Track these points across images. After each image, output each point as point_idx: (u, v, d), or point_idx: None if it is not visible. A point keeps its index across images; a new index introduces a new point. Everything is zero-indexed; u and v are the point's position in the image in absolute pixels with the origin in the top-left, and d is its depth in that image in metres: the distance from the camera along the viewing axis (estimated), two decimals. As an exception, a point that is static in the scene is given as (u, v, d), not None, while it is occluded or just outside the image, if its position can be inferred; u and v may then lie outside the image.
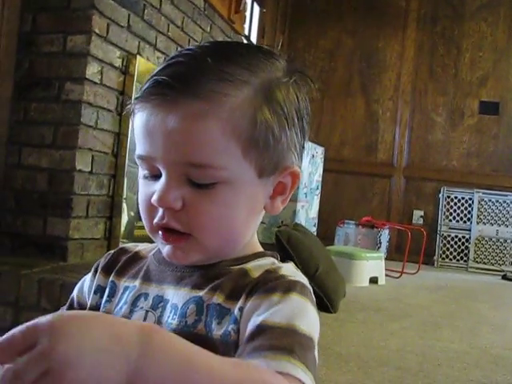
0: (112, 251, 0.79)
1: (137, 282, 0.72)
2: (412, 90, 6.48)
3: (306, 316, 0.61)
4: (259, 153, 0.64)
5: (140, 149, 0.64)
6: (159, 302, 0.68)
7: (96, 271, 0.77)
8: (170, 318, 0.66)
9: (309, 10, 6.65)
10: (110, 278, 0.75)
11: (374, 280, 4.40)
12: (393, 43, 6.52)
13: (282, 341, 0.57)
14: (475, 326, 3.28)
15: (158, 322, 0.67)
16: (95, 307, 0.74)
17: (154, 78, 0.62)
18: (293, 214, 3.98)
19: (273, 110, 0.64)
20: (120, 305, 0.71)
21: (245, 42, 0.81)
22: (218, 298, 0.64)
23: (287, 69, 0.69)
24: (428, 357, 2.55)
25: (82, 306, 0.77)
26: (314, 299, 0.65)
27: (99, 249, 2.69)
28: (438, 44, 6.42)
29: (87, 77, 2.49)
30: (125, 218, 2.80)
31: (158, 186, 0.63)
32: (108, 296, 0.73)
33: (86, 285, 0.78)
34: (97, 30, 2.52)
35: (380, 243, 5.41)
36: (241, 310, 0.62)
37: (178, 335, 0.62)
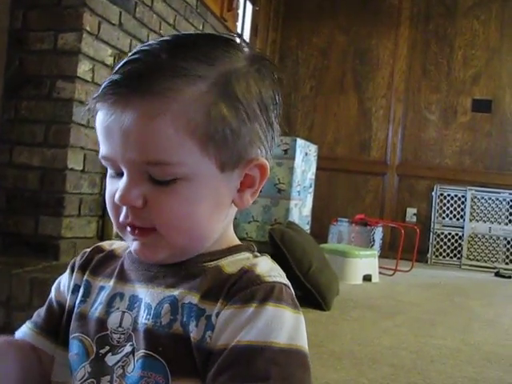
0: (88, 249, 0.78)
1: (111, 282, 0.71)
2: (405, 87, 6.49)
3: (283, 326, 0.60)
4: (218, 148, 0.63)
5: (102, 149, 0.64)
6: (135, 302, 0.67)
7: (73, 270, 0.76)
8: (144, 318, 0.65)
9: (302, 8, 6.65)
10: (85, 277, 0.74)
11: (367, 278, 4.41)
12: (386, 41, 6.53)
13: (256, 368, 0.57)
14: (468, 323, 3.29)
15: (134, 322, 0.66)
16: (72, 307, 0.73)
17: (110, 77, 0.62)
18: (286, 212, 3.98)
19: (230, 104, 0.63)
20: (95, 305, 0.70)
21: (212, 33, 0.81)
22: (193, 298, 0.64)
23: (250, 58, 0.67)
24: (421, 354, 2.56)
25: (61, 306, 0.75)
26: (293, 295, 0.65)
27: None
28: (431, 42, 6.43)
29: (78, 75, 2.48)
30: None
31: (120, 184, 0.63)
32: (83, 296, 0.72)
33: (62, 284, 0.77)
34: (88, 28, 2.51)
35: (373, 241, 5.41)
36: (217, 315, 0.62)
37: (153, 335, 0.63)
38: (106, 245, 0.78)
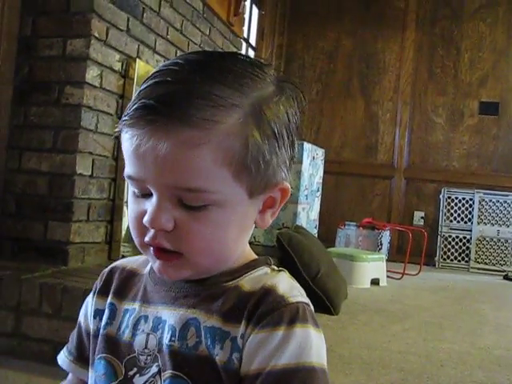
0: (106, 269, 0.79)
1: (136, 305, 0.72)
2: (412, 91, 6.48)
3: (312, 346, 0.62)
4: (251, 175, 0.63)
5: (130, 170, 0.64)
6: (159, 324, 0.68)
7: (95, 294, 0.78)
8: (169, 340, 0.66)
9: (308, 12, 6.66)
10: (109, 300, 0.75)
11: (375, 281, 4.40)
12: (392, 44, 6.52)
13: None
14: (477, 327, 3.27)
15: (159, 343, 0.67)
16: (96, 331, 0.75)
17: (142, 101, 0.60)
18: (294, 216, 3.98)
19: (263, 133, 0.63)
20: (122, 328, 0.71)
21: (235, 52, 0.80)
22: (216, 322, 0.65)
23: (277, 82, 0.67)
24: (430, 358, 2.55)
25: (88, 333, 0.77)
26: (313, 313, 0.66)
27: (100, 253, 2.69)
28: (438, 45, 6.42)
29: (87, 80, 2.49)
30: (126, 222, 2.80)
31: (150, 206, 0.63)
32: (108, 318, 0.73)
33: (89, 309, 0.78)
34: (96, 34, 2.52)
35: (381, 245, 5.40)
36: (243, 337, 0.63)
37: (179, 356, 0.64)
38: (123, 264, 0.78)
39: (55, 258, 2.46)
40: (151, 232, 0.64)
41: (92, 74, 2.52)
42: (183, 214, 0.63)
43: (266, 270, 0.70)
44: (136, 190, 0.65)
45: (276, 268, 0.71)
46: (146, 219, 0.63)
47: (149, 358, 0.67)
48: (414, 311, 3.60)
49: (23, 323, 2.12)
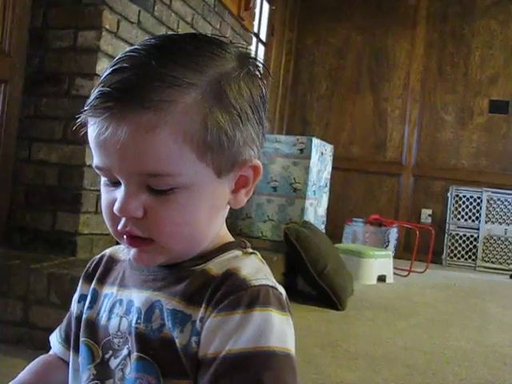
0: (96, 257, 0.80)
1: (114, 289, 0.73)
2: (421, 88, 6.46)
3: (272, 330, 0.60)
4: (215, 154, 0.63)
5: (96, 160, 0.64)
6: (131, 307, 0.69)
7: (83, 280, 0.79)
8: (135, 322, 0.66)
9: (318, 8, 6.64)
10: (92, 286, 0.76)
11: (382, 278, 4.40)
12: (402, 41, 6.50)
13: (250, 375, 0.58)
14: (483, 325, 3.27)
15: (129, 325, 0.67)
16: (80, 315, 0.76)
17: (100, 89, 0.60)
18: (301, 212, 3.98)
19: (224, 111, 0.62)
20: (101, 313, 0.72)
21: (194, 32, 0.80)
22: (178, 304, 0.64)
23: (238, 58, 0.66)
24: (436, 355, 2.55)
25: (76, 318, 0.78)
26: (280, 297, 0.65)
27: (108, 244, 2.67)
28: (448, 42, 6.40)
29: (97, 72, 2.49)
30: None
31: (119, 194, 0.63)
32: (90, 303, 0.75)
33: (75, 296, 0.80)
34: (107, 26, 2.52)
35: (388, 241, 5.40)
36: (201, 320, 0.62)
37: (145, 339, 0.65)
38: (111, 251, 0.79)
39: (63, 248, 2.48)
40: (122, 220, 0.64)
41: (102, 65, 2.52)
42: (152, 200, 0.62)
43: (236, 253, 0.69)
44: (106, 179, 0.65)
45: (249, 251, 0.70)
46: (115, 207, 0.63)
47: (121, 340, 0.68)
48: (420, 308, 3.60)
49: (31, 313, 2.14)
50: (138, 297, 0.68)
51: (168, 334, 0.64)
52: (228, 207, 0.70)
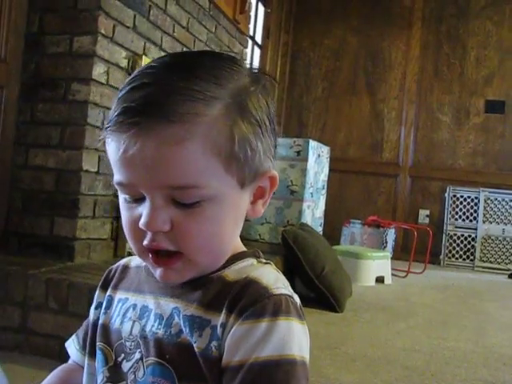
0: (113, 267, 0.81)
1: (129, 295, 0.74)
2: (417, 89, 6.47)
3: (294, 339, 0.63)
4: (240, 166, 0.64)
5: (120, 177, 0.63)
6: (145, 312, 0.70)
7: (100, 289, 0.81)
8: (155, 328, 0.67)
9: (314, 10, 6.65)
10: (107, 293, 0.78)
11: (380, 279, 4.40)
12: (398, 42, 6.51)
13: (277, 382, 0.60)
14: (482, 325, 3.27)
15: (142, 330, 0.69)
16: (96, 321, 0.77)
17: (123, 105, 0.61)
18: (299, 214, 3.98)
19: (247, 122, 0.64)
20: (114, 317, 0.74)
21: (205, 50, 0.80)
22: (196, 310, 0.65)
23: (252, 74, 0.68)
24: (435, 356, 2.55)
25: (93, 325, 0.80)
26: (297, 306, 0.66)
27: (106, 249, 2.70)
28: (444, 43, 6.41)
29: (93, 77, 2.50)
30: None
31: (144, 209, 0.63)
32: (105, 308, 0.76)
33: (93, 304, 0.81)
34: (103, 31, 2.53)
35: (386, 243, 5.40)
36: (223, 326, 0.63)
37: (162, 344, 0.66)
38: (126, 261, 0.81)
39: (61, 253, 2.48)
40: (149, 235, 0.64)
41: (98, 70, 2.53)
42: (178, 213, 0.63)
43: (251, 261, 0.70)
44: (127, 197, 0.65)
45: (263, 260, 0.71)
46: (142, 222, 0.63)
47: (133, 343, 0.69)
48: (418, 309, 3.60)
49: (29, 318, 2.13)
50: (155, 303, 0.69)
51: (186, 339, 0.65)
52: (245, 218, 0.72)
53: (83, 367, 0.80)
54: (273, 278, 0.67)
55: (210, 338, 0.63)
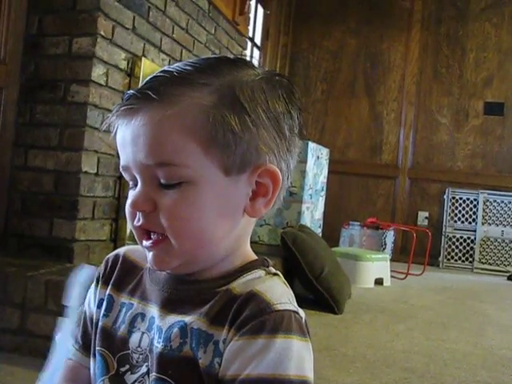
0: (109, 257, 0.79)
1: (134, 301, 0.72)
2: (416, 91, 6.47)
3: (292, 358, 0.61)
4: (220, 150, 0.64)
5: (121, 161, 0.68)
6: (153, 324, 0.69)
7: (98, 282, 0.78)
8: (156, 341, 0.67)
9: (313, 11, 6.66)
10: (108, 291, 0.75)
11: (379, 281, 4.40)
12: (397, 44, 6.52)
13: None
14: (481, 327, 3.27)
15: (151, 343, 0.67)
16: (97, 321, 0.75)
17: (127, 93, 0.66)
18: (298, 216, 3.98)
19: (232, 110, 0.64)
20: (118, 323, 0.72)
21: (229, 56, 0.81)
22: (202, 324, 0.64)
23: (262, 73, 0.69)
24: (434, 357, 2.55)
25: (92, 321, 0.77)
26: (301, 322, 0.65)
27: (105, 250, 2.69)
28: (443, 45, 6.42)
29: (93, 79, 2.49)
30: (130, 220, 2.80)
31: (135, 191, 0.66)
32: (105, 310, 0.74)
33: (91, 298, 0.78)
34: (102, 32, 2.53)
35: (385, 244, 5.40)
36: (225, 342, 0.63)
37: (164, 358, 0.64)
38: (127, 253, 0.78)
39: (60, 255, 2.47)
40: (138, 215, 0.66)
41: (98, 72, 2.53)
42: (162, 195, 0.64)
43: (260, 273, 0.69)
44: (130, 183, 0.68)
45: (272, 271, 0.70)
46: (128, 202, 0.66)
47: (141, 356, 0.68)
48: (417, 311, 3.60)
49: (29, 320, 2.13)
50: (159, 316, 0.68)
51: (189, 352, 0.64)
52: (249, 220, 0.70)
53: (85, 366, 0.77)
54: (278, 292, 0.65)
55: (213, 354, 0.63)
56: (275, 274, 0.70)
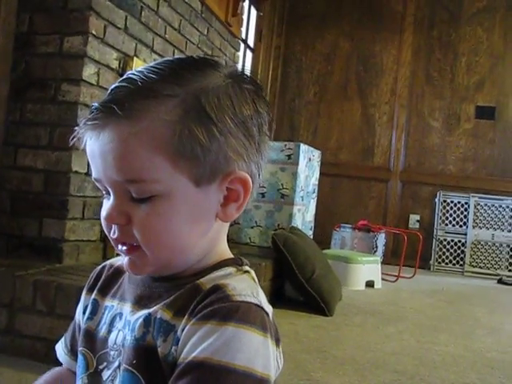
0: (97, 268, 0.82)
1: (115, 302, 0.74)
2: (409, 94, 6.49)
3: (242, 348, 0.60)
4: (189, 163, 0.64)
5: (92, 172, 0.68)
6: (126, 320, 0.70)
7: (86, 291, 0.81)
8: (127, 335, 0.68)
9: (306, 14, 6.66)
10: (92, 296, 0.77)
11: (370, 284, 4.40)
12: (389, 47, 6.53)
13: (195, 382, 0.58)
14: (471, 330, 3.28)
15: (124, 338, 0.69)
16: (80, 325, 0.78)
17: (92, 105, 0.66)
18: (289, 218, 3.97)
19: (198, 122, 0.64)
20: (101, 325, 0.74)
21: (191, 55, 0.79)
22: (166, 315, 0.66)
23: (227, 75, 0.68)
24: (424, 360, 2.55)
25: (80, 328, 0.79)
26: (263, 317, 0.64)
27: (95, 251, 2.68)
28: (435, 48, 6.44)
29: (84, 78, 2.48)
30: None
31: (108, 203, 0.67)
32: (90, 313, 0.76)
33: (79, 307, 0.81)
34: (94, 32, 2.51)
35: (376, 247, 5.41)
36: (183, 330, 0.63)
37: (129, 349, 0.66)
38: (112, 261, 0.81)
39: (50, 255, 2.46)
40: (113, 228, 0.67)
41: (89, 71, 2.51)
42: (135, 208, 0.65)
43: (230, 270, 0.69)
44: (104, 192, 0.69)
45: (244, 269, 0.71)
46: (102, 215, 0.67)
47: (116, 353, 0.69)
48: (408, 313, 3.60)
49: (17, 320, 2.11)
50: (130, 311, 0.70)
51: (151, 341, 0.65)
52: (222, 223, 0.71)
53: (72, 371, 0.80)
54: (242, 286, 0.65)
55: (172, 343, 0.63)
56: (246, 272, 0.70)
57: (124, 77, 0.67)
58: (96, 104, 0.65)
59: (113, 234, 0.67)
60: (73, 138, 0.67)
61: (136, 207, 0.65)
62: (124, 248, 0.67)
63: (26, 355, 2.06)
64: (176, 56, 0.71)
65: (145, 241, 0.65)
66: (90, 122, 0.64)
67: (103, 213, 0.67)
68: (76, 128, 0.67)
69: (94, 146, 0.65)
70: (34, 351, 2.05)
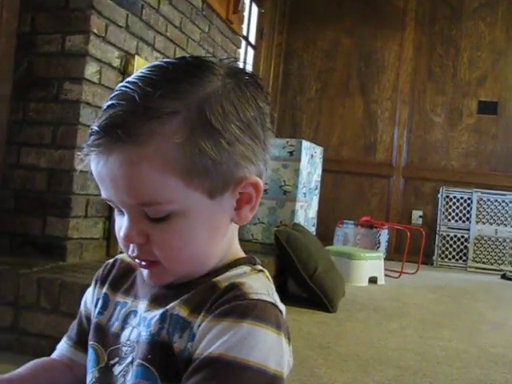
0: (110, 260, 0.82)
1: (128, 300, 0.75)
2: (410, 90, 6.48)
3: (257, 346, 0.61)
4: (201, 179, 0.64)
5: (101, 192, 0.68)
6: (141, 318, 0.71)
7: (96, 283, 0.81)
8: (142, 332, 0.69)
9: (307, 10, 6.66)
10: (104, 290, 0.78)
11: (373, 280, 4.40)
12: (391, 43, 6.53)
13: (218, 381, 0.59)
14: (474, 325, 3.28)
15: (139, 335, 0.69)
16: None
17: (93, 127, 0.64)
18: (292, 214, 3.98)
19: (206, 136, 0.63)
20: (112, 320, 0.74)
21: (183, 57, 0.77)
22: (183, 312, 0.66)
23: (225, 76, 0.67)
24: (427, 356, 2.55)
25: (89, 319, 0.80)
26: (278, 315, 0.65)
27: (98, 249, 2.69)
28: (437, 44, 6.43)
29: (86, 77, 2.49)
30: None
31: (124, 223, 0.67)
32: (101, 308, 0.77)
33: (88, 298, 0.82)
34: (95, 30, 2.52)
35: (379, 243, 5.41)
36: (199, 327, 0.64)
37: (144, 344, 0.67)
38: (124, 256, 0.81)
39: (53, 253, 2.47)
40: (131, 246, 0.68)
41: (91, 70, 2.52)
42: (152, 227, 0.65)
43: (245, 268, 0.71)
44: (115, 208, 0.69)
45: (258, 268, 0.72)
46: (120, 235, 0.67)
47: (129, 349, 0.70)
48: (411, 309, 3.61)
49: (21, 318, 2.12)
50: (146, 309, 0.71)
51: (165, 337, 0.66)
52: (234, 224, 0.72)
53: (74, 360, 0.81)
54: (258, 284, 0.67)
55: (188, 339, 0.64)
56: (260, 271, 0.72)
57: (118, 91, 0.65)
58: (96, 127, 0.63)
59: (131, 252, 0.68)
60: (83, 162, 0.67)
61: (153, 226, 0.65)
62: (144, 263, 0.69)
63: (31, 353, 2.06)
64: (168, 59, 0.70)
65: (165, 258, 0.67)
66: (94, 148, 0.64)
67: (121, 233, 0.67)
68: (79, 153, 0.67)
69: (101, 170, 0.64)
70: (38, 349, 2.06)
